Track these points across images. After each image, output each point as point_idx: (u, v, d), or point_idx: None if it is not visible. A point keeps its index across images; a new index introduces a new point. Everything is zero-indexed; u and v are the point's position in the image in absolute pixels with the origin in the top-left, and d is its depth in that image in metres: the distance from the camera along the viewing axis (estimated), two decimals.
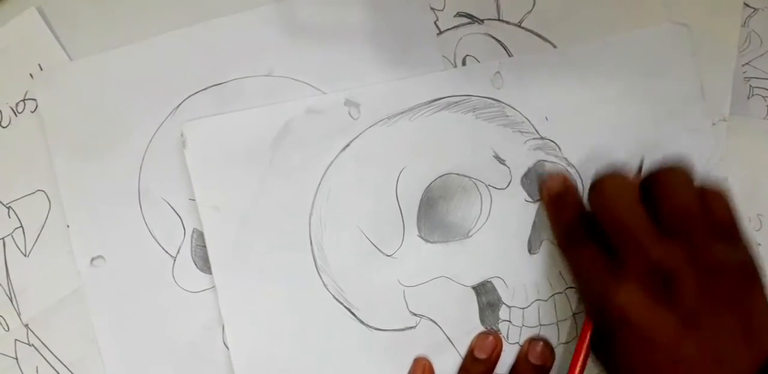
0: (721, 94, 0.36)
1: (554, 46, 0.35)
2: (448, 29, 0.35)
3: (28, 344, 0.36)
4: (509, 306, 0.34)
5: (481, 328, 0.34)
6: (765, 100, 0.37)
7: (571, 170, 0.35)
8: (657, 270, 0.28)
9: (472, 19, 0.35)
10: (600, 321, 0.30)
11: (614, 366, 0.29)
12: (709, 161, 0.35)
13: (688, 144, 0.35)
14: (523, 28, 0.36)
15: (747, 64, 0.36)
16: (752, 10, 0.36)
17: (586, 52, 0.35)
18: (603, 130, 0.35)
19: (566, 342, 0.35)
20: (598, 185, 0.31)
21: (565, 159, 0.35)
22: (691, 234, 0.28)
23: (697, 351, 0.26)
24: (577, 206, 0.33)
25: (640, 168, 0.33)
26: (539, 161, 0.35)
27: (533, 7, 0.36)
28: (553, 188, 0.33)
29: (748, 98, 0.36)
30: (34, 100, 0.36)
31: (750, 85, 0.36)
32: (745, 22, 0.36)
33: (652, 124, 0.35)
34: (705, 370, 0.26)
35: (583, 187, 0.35)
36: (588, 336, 0.31)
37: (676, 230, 0.28)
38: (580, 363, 0.31)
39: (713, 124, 0.36)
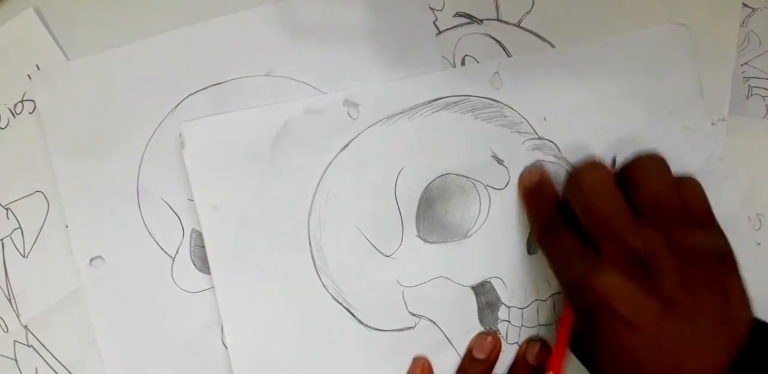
0: (720, 94, 0.36)
1: (553, 47, 0.35)
2: (447, 29, 0.35)
3: (28, 345, 0.36)
4: (508, 306, 0.35)
5: (480, 328, 0.35)
6: (764, 100, 0.37)
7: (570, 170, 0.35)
8: (636, 255, 0.28)
9: (471, 19, 0.35)
10: (579, 309, 0.30)
11: (593, 354, 0.29)
12: (708, 161, 0.35)
13: (687, 144, 0.35)
14: (522, 28, 0.36)
15: (746, 63, 0.36)
16: (751, 10, 0.36)
17: (585, 52, 0.35)
18: (602, 130, 0.35)
19: None
20: (574, 174, 0.31)
21: (564, 159, 0.35)
22: (667, 220, 0.28)
23: (676, 336, 0.27)
24: (553, 198, 0.33)
25: (614, 163, 0.34)
26: (538, 161, 0.35)
27: (532, 8, 0.36)
28: (529, 181, 0.34)
29: (747, 98, 0.37)
30: (33, 101, 0.36)
31: (749, 85, 0.37)
32: (743, 22, 0.36)
33: (651, 124, 0.35)
34: (684, 354, 0.27)
35: None
36: (570, 324, 0.31)
37: (652, 216, 0.28)
38: (562, 352, 0.31)
39: (712, 124, 0.36)
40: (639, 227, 0.28)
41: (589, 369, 0.30)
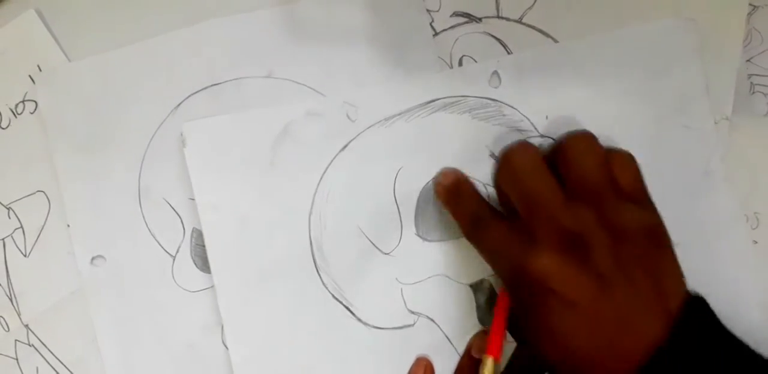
0: (723, 93, 0.38)
1: (556, 42, 0.38)
2: (444, 30, 0.38)
3: (28, 344, 0.39)
4: None
5: (480, 327, 0.37)
6: (766, 97, 0.39)
7: None
8: (569, 234, 0.29)
9: (469, 18, 0.38)
10: (518, 294, 0.31)
11: (532, 336, 0.31)
12: (710, 160, 0.37)
13: (690, 142, 0.37)
14: (523, 23, 0.38)
15: (748, 60, 0.39)
16: (753, 7, 0.39)
17: (588, 48, 0.37)
18: (605, 128, 0.36)
19: None
20: (504, 157, 0.33)
21: None
22: (599, 197, 0.30)
23: (612, 313, 0.29)
24: (474, 194, 0.35)
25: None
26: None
27: (535, 2, 0.38)
28: (446, 183, 0.36)
29: (749, 95, 0.39)
30: (34, 101, 0.38)
31: (751, 82, 0.39)
32: (746, 20, 0.38)
33: (655, 121, 0.37)
34: (619, 331, 0.29)
35: None
36: (506, 307, 0.33)
37: (584, 195, 0.30)
38: (500, 337, 0.33)
39: (715, 123, 0.38)
40: (570, 205, 0.30)
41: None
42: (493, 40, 0.38)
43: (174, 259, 0.38)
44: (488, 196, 0.36)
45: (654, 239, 0.30)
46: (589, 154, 0.31)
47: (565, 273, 0.29)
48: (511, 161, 0.32)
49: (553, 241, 0.30)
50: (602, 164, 0.31)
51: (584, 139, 0.32)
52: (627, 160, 0.32)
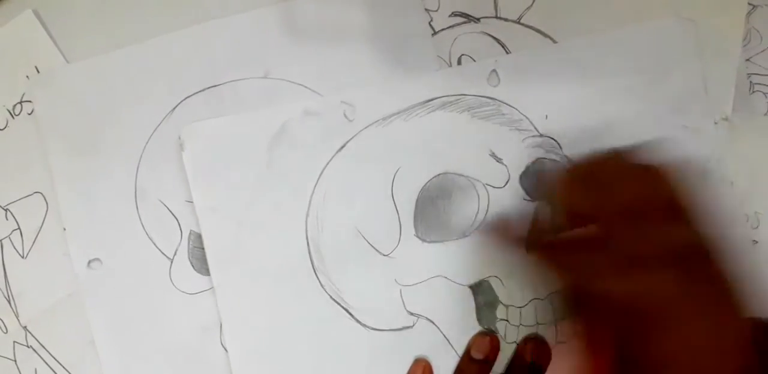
0: (723, 92, 0.38)
1: (555, 42, 0.38)
2: (443, 29, 0.38)
3: (27, 346, 0.39)
4: (506, 306, 0.37)
5: (479, 328, 0.37)
6: (766, 97, 0.39)
7: None
8: (634, 260, 0.29)
9: (468, 18, 0.38)
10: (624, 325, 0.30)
11: (646, 365, 0.30)
12: (710, 160, 0.38)
13: (689, 142, 0.38)
14: (522, 24, 0.38)
15: (748, 60, 0.39)
16: (752, 6, 0.39)
17: (587, 47, 0.38)
18: (605, 128, 0.37)
19: (563, 342, 0.37)
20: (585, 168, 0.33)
21: (566, 156, 0.38)
22: (645, 225, 0.30)
23: (699, 335, 0.29)
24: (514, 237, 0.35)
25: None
26: (538, 159, 0.38)
27: (533, 3, 0.38)
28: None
29: (749, 94, 0.39)
30: (31, 102, 0.39)
31: (751, 82, 0.39)
32: (745, 19, 0.39)
33: (655, 121, 0.38)
34: (709, 354, 0.29)
35: None
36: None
37: (624, 221, 0.30)
38: None
39: (715, 123, 0.38)
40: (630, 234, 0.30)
41: None
42: (492, 40, 0.38)
43: (171, 262, 0.38)
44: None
45: (704, 254, 0.30)
46: (622, 179, 0.31)
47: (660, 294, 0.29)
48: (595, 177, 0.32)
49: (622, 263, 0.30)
50: (636, 186, 0.31)
51: (613, 161, 0.33)
52: (658, 175, 0.31)
